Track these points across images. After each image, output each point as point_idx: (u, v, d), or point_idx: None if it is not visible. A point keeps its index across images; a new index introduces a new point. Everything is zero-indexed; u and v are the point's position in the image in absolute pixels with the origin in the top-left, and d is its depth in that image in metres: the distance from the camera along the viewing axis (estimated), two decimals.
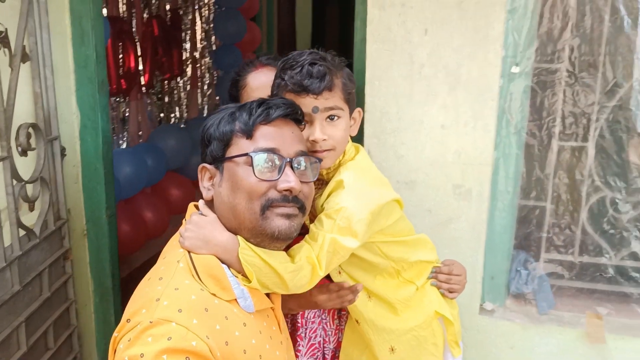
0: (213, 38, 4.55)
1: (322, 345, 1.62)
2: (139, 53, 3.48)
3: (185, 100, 4.23)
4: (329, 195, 1.38)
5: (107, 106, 2.41)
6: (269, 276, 1.19)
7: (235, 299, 1.11)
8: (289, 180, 1.12)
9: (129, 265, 3.38)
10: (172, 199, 3.76)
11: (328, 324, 1.62)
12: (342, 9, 6.94)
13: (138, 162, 3.32)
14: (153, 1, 3.76)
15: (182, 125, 4.11)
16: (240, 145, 1.14)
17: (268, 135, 1.14)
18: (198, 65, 4.40)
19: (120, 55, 3.27)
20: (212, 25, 4.41)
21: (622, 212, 1.93)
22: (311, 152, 1.35)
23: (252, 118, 1.14)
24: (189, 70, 4.23)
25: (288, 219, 1.13)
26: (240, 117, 1.16)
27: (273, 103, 1.17)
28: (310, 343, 1.60)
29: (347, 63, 1.50)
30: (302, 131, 1.25)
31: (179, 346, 0.94)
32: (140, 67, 3.50)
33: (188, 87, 4.22)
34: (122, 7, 3.45)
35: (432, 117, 1.94)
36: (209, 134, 1.19)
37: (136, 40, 3.44)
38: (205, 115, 4.59)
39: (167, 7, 3.94)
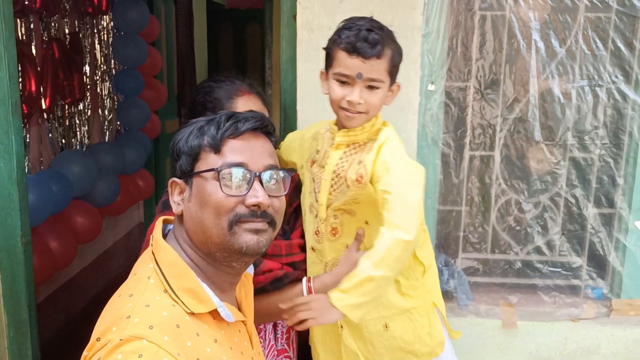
0: (113, 62, 4.46)
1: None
2: (40, 77, 3.35)
3: (87, 125, 4.09)
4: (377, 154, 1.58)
5: (20, 129, 2.32)
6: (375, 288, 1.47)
7: (215, 310, 1.10)
8: (257, 195, 1.10)
9: (36, 297, 3.19)
10: (79, 228, 3.60)
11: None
12: (235, 33, 7.08)
13: (43, 189, 3.16)
14: (52, 24, 3.64)
15: (85, 150, 3.96)
16: (208, 160, 1.12)
17: (236, 149, 1.12)
18: (99, 89, 4.28)
19: (20, 79, 3.13)
20: (111, 49, 4.33)
21: (526, 211, 2.19)
22: (343, 109, 1.57)
23: (220, 132, 1.12)
24: (89, 94, 4.11)
25: (256, 234, 1.11)
26: (209, 131, 1.13)
27: (242, 117, 1.15)
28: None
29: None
30: (273, 144, 1.22)
31: None
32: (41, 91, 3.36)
33: (89, 112, 4.09)
34: (20, 30, 3.31)
35: None
36: (178, 148, 1.16)
37: (36, 63, 3.30)
38: (107, 140, 4.46)
39: (67, 30, 3.82)
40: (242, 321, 1.21)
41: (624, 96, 2.10)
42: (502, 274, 2.23)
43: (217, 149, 1.12)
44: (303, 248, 1.74)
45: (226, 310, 1.12)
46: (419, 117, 2.08)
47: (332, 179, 1.65)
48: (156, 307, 1.02)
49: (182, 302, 1.05)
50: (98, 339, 0.98)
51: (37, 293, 3.24)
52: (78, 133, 4.03)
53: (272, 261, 1.64)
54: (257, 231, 1.11)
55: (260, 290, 1.56)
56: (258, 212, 1.10)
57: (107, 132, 4.46)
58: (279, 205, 1.16)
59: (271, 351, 1.70)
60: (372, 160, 1.59)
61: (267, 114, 1.74)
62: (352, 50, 1.54)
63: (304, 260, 1.73)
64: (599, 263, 2.25)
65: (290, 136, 1.88)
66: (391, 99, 1.66)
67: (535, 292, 2.23)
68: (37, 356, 2.46)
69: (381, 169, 1.57)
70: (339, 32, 1.59)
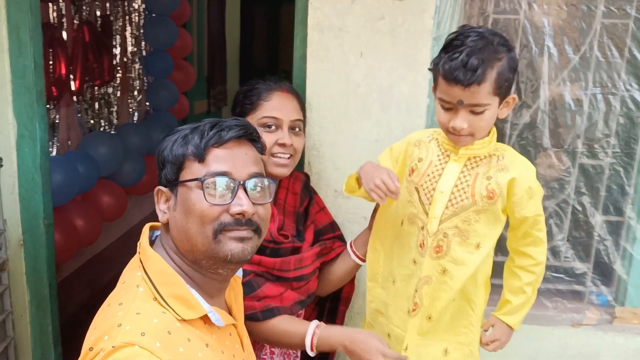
0: (143, 44, 4.55)
1: None
2: (70, 60, 3.46)
3: (116, 106, 4.20)
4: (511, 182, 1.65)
5: (44, 116, 2.42)
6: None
7: (205, 315, 1.11)
8: (241, 204, 1.10)
9: (60, 274, 3.35)
10: (104, 207, 3.74)
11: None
12: (269, 15, 7.07)
13: (70, 170, 3.30)
14: (84, 7, 3.73)
15: (112, 132, 4.09)
16: (192, 169, 1.13)
17: (220, 158, 1.12)
18: (128, 71, 4.39)
19: (51, 62, 3.24)
20: (142, 31, 4.41)
21: None
22: (449, 132, 1.58)
23: (204, 141, 1.12)
24: (119, 76, 4.21)
25: (241, 242, 1.12)
26: (193, 140, 1.13)
27: (226, 125, 1.15)
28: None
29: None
30: (259, 151, 1.22)
31: None
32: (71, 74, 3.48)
33: (118, 94, 4.20)
34: (52, 14, 3.42)
35: (366, 132, 2.11)
36: (162, 156, 1.17)
37: (67, 46, 3.41)
38: (135, 121, 4.58)
39: (98, 13, 3.92)
40: (233, 324, 1.23)
41: (637, 105, 2.06)
42: None
43: (201, 158, 1.12)
44: (317, 255, 1.83)
45: (216, 315, 1.13)
46: (426, 120, 2.10)
47: (452, 193, 1.67)
48: (147, 314, 1.03)
49: (172, 309, 1.07)
50: (91, 349, 0.99)
51: (63, 268, 3.40)
52: (107, 114, 4.15)
53: (271, 287, 1.68)
54: (242, 239, 1.12)
55: (251, 317, 1.59)
56: (243, 221, 1.11)
57: (136, 114, 4.57)
58: (264, 212, 1.16)
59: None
60: (506, 180, 1.64)
61: (301, 116, 1.81)
62: (451, 79, 1.49)
63: (313, 272, 1.80)
64: (603, 271, 2.24)
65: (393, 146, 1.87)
66: (506, 112, 1.62)
67: (537, 296, 2.23)
68: (57, 331, 2.60)
69: (524, 193, 1.66)
70: (441, 52, 1.54)
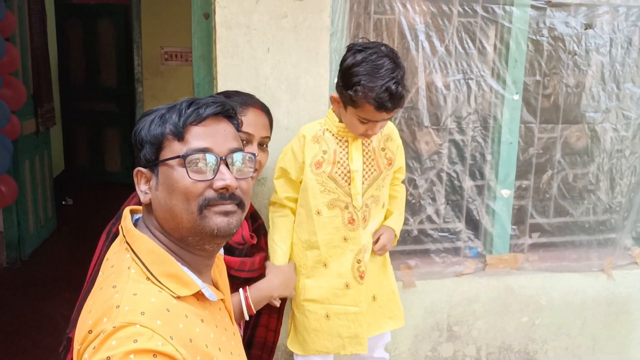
0: None
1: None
2: None
3: None
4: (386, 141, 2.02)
5: None
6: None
7: (200, 293, 1.13)
8: (224, 178, 1.11)
9: None
10: None
11: None
12: (85, 30, 6.78)
13: None
14: None
15: None
16: (172, 147, 1.13)
17: (200, 135, 1.13)
18: None
19: None
20: None
21: (419, 187, 2.56)
22: (362, 135, 1.90)
23: (182, 119, 1.13)
24: None
25: (226, 216, 1.13)
26: (170, 119, 1.13)
27: (203, 102, 1.16)
28: None
29: None
30: (236, 127, 1.24)
31: (146, 347, 0.94)
32: None
33: None
34: None
35: (277, 121, 2.27)
36: (140, 137, 1.16)
37: None
38: None
39: None
40: (222, 299, 1.26)
41: (489, 87, 2.54)
42: (401, 242, 2.56)
43: (180, 136, 1.12)
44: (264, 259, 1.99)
45: (209, 291, 1.16)
46: (328, 107, 2.34)
47: (363, 169, 1.95)
48: (143, 294, 1.03)
49: (167, 287, 1.07)
50: (90, 332, 0.99)
51: None
52: None
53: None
54: (227, 213, 1.13)
55: None
56: (226, 195, 1.12)
57: None
58: (247, 186, 1.18)
59: None
60: (396, 146, 2.03)
61: (269, 133, 1.91)
62: (380, 106, 1.75)
63: (259, 276, 1.94)
64: (475, 226, 2.69)
65: (284, 151, 2.07)
66: None
67: (428, 255, 2.61)
68: None
69: (400, 153, 2.07)
70: (364, 84, 1.75)
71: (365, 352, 2.05)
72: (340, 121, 1.95)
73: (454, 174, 2.60)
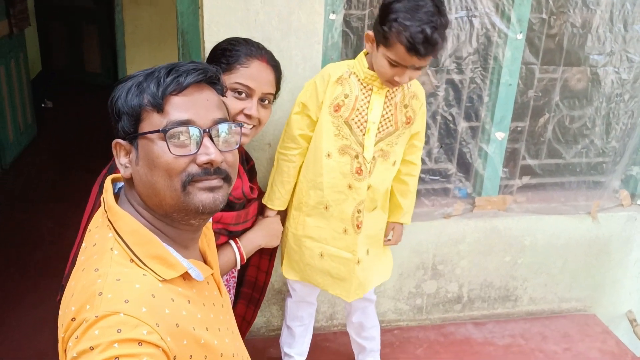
0: None
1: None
2: None
3: None
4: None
5: None
6: None
7: (186, 272, 1.08)
8: (208, 152, 1.04)
9: None
10: None
11: None
12: None
13: None
14: None
15: None
16: (151, 120, 1.04)
17: (181, 106, 1.04)
18: None
19: None
20: None
21: None
22: (389, 81, 1.80)
23: (161, 89, 1.04)
24: None
25: (212, 192, 1.07)
26: (148, 89, 1.04)
27: (183, 69, 1.06)
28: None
29: None
30: (220, 93, 1.15)
31: (130, 336, 0.91)
32: None
33: None
34: None
35: None
36: (117, 107, 1.07)
37: None
38: None
39: None
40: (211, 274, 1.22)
41: (493, 25, 2.40)
42: None
43: (159, 107, 1.04)
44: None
45: (196, 271, 1.11)
46: (322, 45, 2.20)
47: (380, 122, 1.88)
48: (127, 280, 0.98)
49: (152, 270, 1.03)
50: (73, 319, 0.95)
51: None
52: None
53: (222, 238, 1.78)
54: (212, 189, 1.07)
55: None
56: (211, 170, 1.06)
57: None
58: (233, 159, 1.11)
59: None
60: (418, 106, 1.94)
61: (274, 90, 1.78)
62: (412, 50, 1.64)
63: (252, 225, 1.93)
64: (467, 169, 2.66)
65: (307, 85, 1.97)
66: None
67: (418, 197, 2.57)
68: None
69: (422, 116, 2.01)
70: (401, 21, 1.64)
71: (349, 300, 2.08)
72: (369, 68, 1.87)
73: (449, 117, 2.52)
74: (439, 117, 2.52)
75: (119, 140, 1.09)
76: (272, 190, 2.04)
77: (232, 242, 1.83)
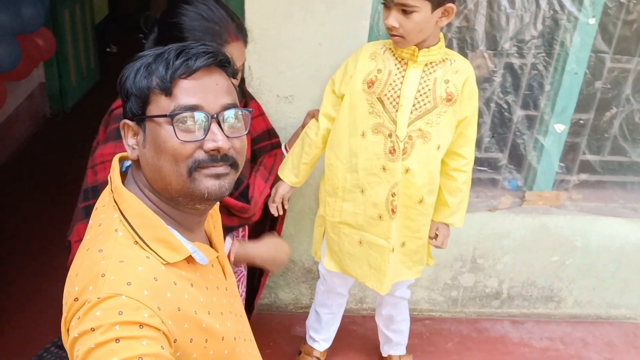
0: None
1: None
2: None
3: None
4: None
5: None
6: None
7: (190, 256, 1.07)
8: (215, 139, 1.02)
9: None
10: None
11: None
12: None
13: None
14: None
15: None
16: (159, 103, 1.02)
17: (189, 90, 1.02)
18: None
19: None
20: None
21: None
22: (388, 32, 1.70)
23: (170, 72, 1.01)
24: None
25: (218, 179, 1.05)
26: (157, 71, 1.02)
27: (193, 52, 1.03)
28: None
29: None
30: (231, 75, 1.12)
31: (131, 319, 0.91)
32: None
33: None
34: None
35: (310, 34, 2.04)
36: (125, 88, 1.05)
37: None
38: None
39: None
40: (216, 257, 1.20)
41: (562, 7, 2.17)
42: None
43: (168, 91, 1.01)
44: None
45: (200, 254, 1.10)
46: (370, 22, 2.06)
47: (415, 98, 1.76)
48: (130, 262, 0.99)
49: (156, 253, 1.02)
50: (76, 299, 0.95)
51: None
52: None
53: (223, 217, 1.70)
54: (218, 176, 1.05)
55: None
56: (218, 157, 1.04)
57: None
58: (240, 145, 1.09)
59: None
60: (461, 82, 1.78)
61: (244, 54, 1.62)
62: None
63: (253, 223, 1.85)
64: (519, 160, 2.48)
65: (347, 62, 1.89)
66: (446, 20, 1.70)
67: None
68: None
69: (470, 97, 1.82)
70: None
71: (383, 293, 2.00)
72: None
73: (504, 105, 2.33)
74: (492, 105, 2.34)
75: (127, 121, 1.07)
76: (287, 159, 1.97)
77: (228, 239, 1.74)
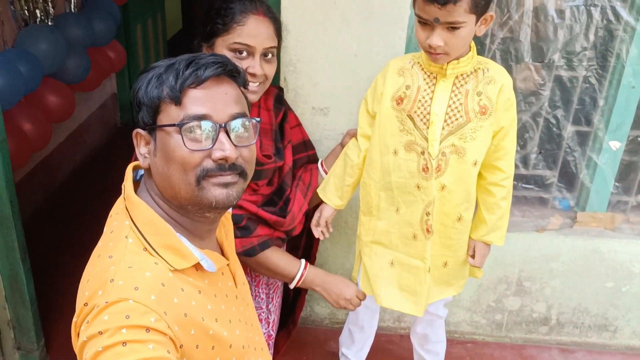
0: None
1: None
2: None
3: None
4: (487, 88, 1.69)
5: None
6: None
7: (198, 263, 1.09)
8: (223, 148, 1.04)
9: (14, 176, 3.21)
10: (52, 107, 3.52)
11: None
12: None
13: (12, 71, 3.03)
14: None
15: (50, 24, 3.74)
16: (169, 112, 1.05)
17: (198, 100, 1.04)
18: None
19: None
20: None
21: None
22: (426, 50, 1.61)
23: (180, 82, 1.04)
24: None
25: (226, 188, 1.07)
26: (167, 81, 1.04)
27: (203, 62, 1.05)
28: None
29: None
30: (241, 85, 1.14)
31: (138, 323, 0.93)
32: None
33: None
34: None
35: (346, 46, 2.02)
36: (138, 98, 1.08)
37: None
38: (73, 9, 4.18)
39: None
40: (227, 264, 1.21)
41: (617, 17, 2.04)
42: None
43: (177, 100, 1.04)
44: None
45: (208, 262, 1.11)
46: (407, 33, 2.01)
47: (447, 113, 1.70)
48: (139, 267, 1.01)
49: (164, 259, 1.04)
50: (85, 304, 0.98)
51: (15, 174, 3.24)
52: (42, 2, 3.76)
53: (264, 228, 1.73)
54: (226, 184, 1.07)
55: (250, 252, 1.70)
56: (226, 166, 1.05)
57: (72, 1, 4.17)
58: (249, 154, 1.10)
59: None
60: (496, 92, 1.68)
61: (276, 42, 1.67)
62: None
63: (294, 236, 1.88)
64: (570, 179, 2.34)
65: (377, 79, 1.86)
66: (484, 29, 1.62)
67: None
68: (24, 247, 2.55)
69: (507, 107, 1.72)
70: None
71: (420, 315, 1.92)
72: None
73: (553, 120, 2.21)
74: (540, 120, 2.22)
75: (139, 130, 1.11)
76: (327, 179, 1.93)
77: (303, 262, 1.81)
